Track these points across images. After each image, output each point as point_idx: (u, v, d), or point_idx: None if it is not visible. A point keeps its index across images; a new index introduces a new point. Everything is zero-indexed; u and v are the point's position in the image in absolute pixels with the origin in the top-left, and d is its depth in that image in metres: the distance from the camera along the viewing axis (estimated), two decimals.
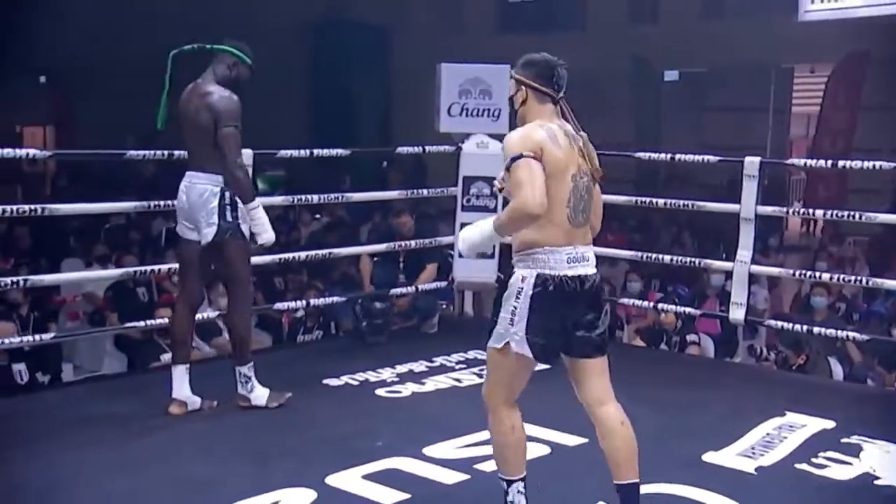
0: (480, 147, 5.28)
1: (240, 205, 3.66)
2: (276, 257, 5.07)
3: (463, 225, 5.27)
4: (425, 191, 5.40)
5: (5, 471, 3.17)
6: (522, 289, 2.58)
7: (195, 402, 3.79)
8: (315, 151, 4.94)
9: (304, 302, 5.39)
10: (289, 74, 13.86)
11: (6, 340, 4.35)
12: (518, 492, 2.71)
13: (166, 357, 5.45)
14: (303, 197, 5.07)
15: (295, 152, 4.82)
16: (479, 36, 14.15)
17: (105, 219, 9.01)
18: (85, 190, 11.09)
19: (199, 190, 3.66)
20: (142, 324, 4.60)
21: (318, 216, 10.16)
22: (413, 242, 5.28)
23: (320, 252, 5.22)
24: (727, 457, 3.45)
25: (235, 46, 3.74)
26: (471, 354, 4.71)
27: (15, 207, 3.99)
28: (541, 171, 2.53)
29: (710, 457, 3.43)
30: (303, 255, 5.23)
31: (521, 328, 2.58)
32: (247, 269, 3.83)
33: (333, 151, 4.99)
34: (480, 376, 4.39)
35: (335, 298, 5.38)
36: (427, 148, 5.28)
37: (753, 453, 3.49)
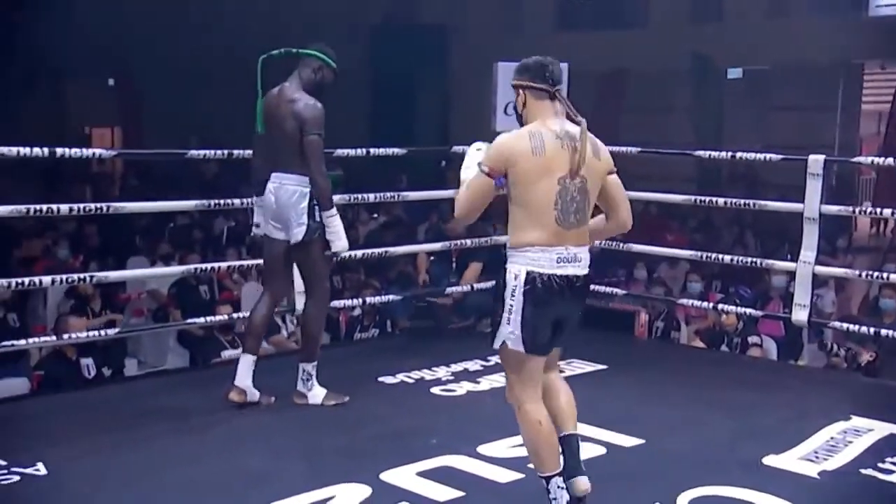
0: None
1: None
2: (331, 254, 5.12)
3: None
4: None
5: (71, 462, 3.26)
6: (516, 287, 2.67)
7: (255, 394, 3.86)
8: (372, 150, 4.98)
9: (360, 300, 5.44)
10: (348, 75, 14.02)
11: (75, 335, 4.49)
12: (558, 487, 2.74)
13: (227, 353, 5.58)
14: (360, 196, 5.11)
15: (352, 151, 4.86)
16: (538, 35, 14.09)
17: (170, 218, 9.24)
18: (151, 189, 11.42)
19: (290, 191, 3.77)
20: (203, 320, 4.70)
21: (375, 215, 10.24)
22: (469, 241, 5.29)
23: (377, 251, 5.25)
24: (789, 460, 3.38)
25: (321, 50, 3.84)
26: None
27: (82, 206, 4.11)
28: (485, 189, 2.70)
29: (771, 460, 3.36)
30: (360, 253, 5.27)
31: (517, 325, 2.68)
32: (327, 269, 3.94)
33: (389, 150, 5.03)
34: None
35: (392, 297, 5.42)
36: (455, 148, 5.28)
37: (817, 457, 3.41)
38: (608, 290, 5.53)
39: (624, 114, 13.45)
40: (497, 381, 4.30)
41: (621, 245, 5.33)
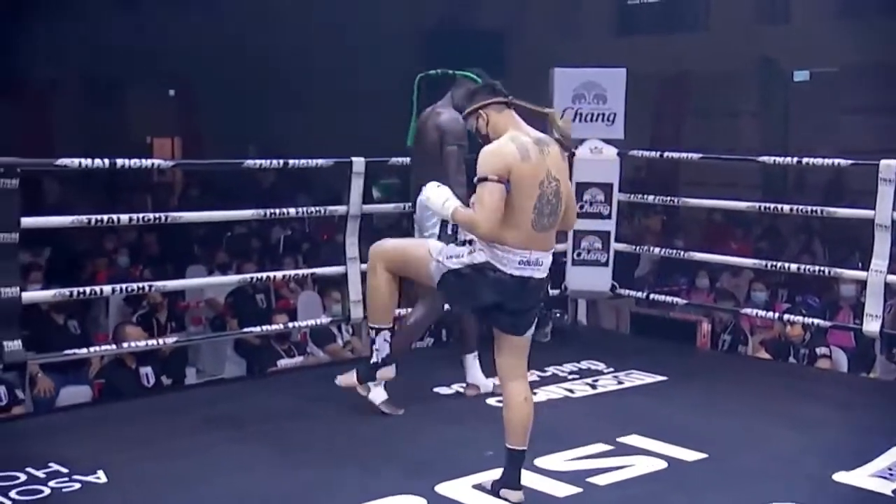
0: (594, 152, 5.22)
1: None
2: None
3: (576, 232, 5.28)
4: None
5: (131, 470, 3.33)
6: (472, 260, 2.86)
7: (487, 385, 4.08)
8: None
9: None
10: (402, 82, 14.12)
11: (134, 344, 4.60)
12: (384, 340, 3.18)
13: (283, 362, 5.65)
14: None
15: (407, 160, 4.88)
16: (596, 39, 13.97)
17: (228, 227, 9.40)
18: (210, 199, 11.64)
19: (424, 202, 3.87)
20: (260, 329, 4.76)
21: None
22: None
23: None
24: (861, 477, 3.27)
25: (475, 73, 4.07)
26: (584, 364, 4.65)
27: (141, 215, 4.22)
28: (501, 196, 2.79)
29: (841, 477, 3.27)
30: None
31: (452, 265, 2.89)
32: None
33: None
34: (594, 387, 4.34)
35: (446, 306, 5.40)
36: None
37: (891, 474, 3.30)
38: (668, 299, 5.45)
39: (686, 119, 13.26)
40: (554, 392, 4.27)
41: (683, 253, 5.25)
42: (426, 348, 6.21)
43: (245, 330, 4.82)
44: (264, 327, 4.84)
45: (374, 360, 3.32)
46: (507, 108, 2.95)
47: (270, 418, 3.85)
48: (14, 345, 3.55)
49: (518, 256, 2.84)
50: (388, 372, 3.63)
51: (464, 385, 4.31)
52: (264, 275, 4.91)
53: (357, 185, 4.61)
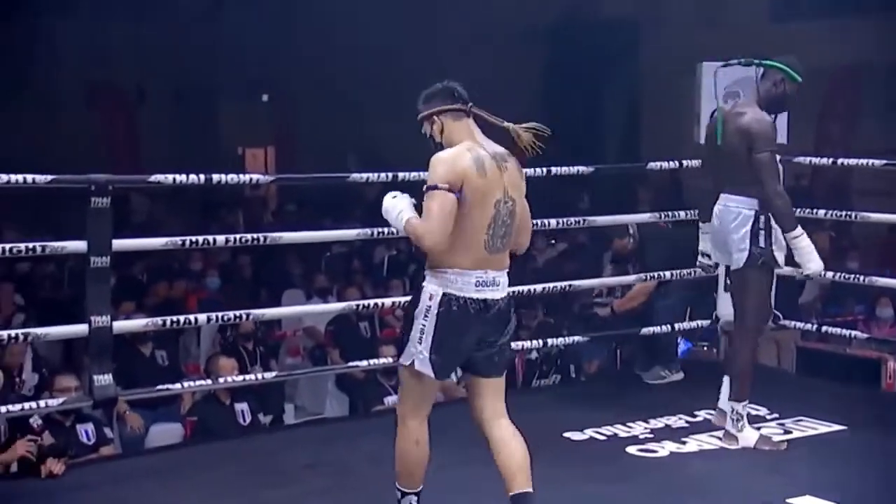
0: None
1: (778, 232, 3.95)
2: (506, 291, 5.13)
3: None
4: (682, 213, 5.24)
5: None
6: (430, 307, 2.97)
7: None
8: (553, 169, 4.94)
9: (540, 342, 5.40)
10: (519, 82, 14.10)
11: (230, 379, 4.73)
12: None
13: (391, 399, 5.70)
14: (538, 221, 5.07)
15: (529, 171, 4.84)
16: (749, 28, 13.58)
17: (326, 246, 9.57)
18: (307, 215, 11.90)
19: (733, 213, 3.98)
20: (366, 363, 4.80)
21: (553, 241, 10.21)
22: (668, 273, 5.14)
23: (559, 284, 5.20)
24: None
25: (785, 62, 4.04)
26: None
27: (238, 237, 4.35)
28: (452, 207, 2.89)
29: None
30: (538, 287, 5.23)
31: (427, 347, 2.98)
32: (758, 301, 4.10)
33: (574, 169, 4.98)
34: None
35: (576, 338, 5.35)
36: (685, 162, 5.14)
37: None
38: (844, 332, 5.21)
39: (861, 118, 12.71)
40: (707, 442, 4.15)
41: (861, 278, 5.02)
42: (552, 386, 6.18)
43: (350, 365, 4.87)
44: (370, 361, 4.87)
45: None
46: (466, 116, 3.04)
47: (379, 464, 3.86)
48: (105, 379, 3.69)
49: (473, 278, 2.97)
50: None
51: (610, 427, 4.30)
52: (371, 302, 4.94)
53: None
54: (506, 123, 3.05)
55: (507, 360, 3.14)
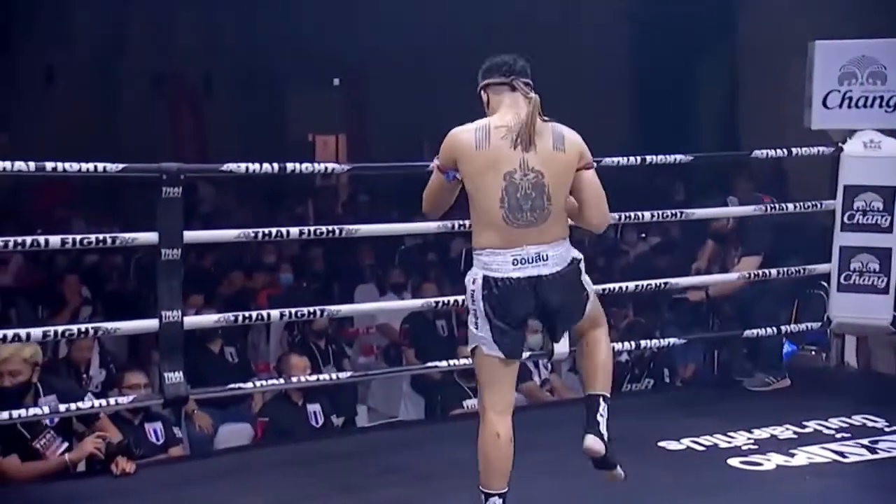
0: (870, 147, 4.93)
1: None
2: (595, 288, 5.07)
3: (843, 249, 4.99)
4: (789, 205, 5.12)
5: None
6: (474, 291, 3.11)
7: None
8: (648, 158, 4.87)
9: (630, 343, 5.33)
10: (605, 62, 13.93)
11: (303, 378, 4.77)
12: None
13: (469, 403, 5.68)
14: (631, 214, 5.01)
15: (622, 159, 4.78)
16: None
17: (400, 239, 9.60)
18: (381, 205, 11.96)
19: None
20: (446, 364, 4.79)
21: (644, 235, 10.08)
22: (772, 271, 5.02)
23: (653, 282, 5.12)
24: None
25: None
26: (857, 420, 4.39)
27: (312, 228, 4.37)
28: (439, 185, 3.19)
29: None
30: (630, 285, 5.16)
31: (486, 331, 3.10)
32: None
33: (670, 158, 4.89)
34: (872, 450, 4.08)
35: (672, 339, 5.26)
36: (794, 150, 5.02)
37: None
38: None
39: None
40: (818, 455, 4.05)
41: None
42: (645, 391, 6.10)
43: (426, 365, 4.87)
44: (448, 361, 4.85)
45: None
46: (510, 89, 3.17)
47: (459, 471, 3.83)
48: (176, 376, 3.76)
49: (509, 256, 3.06)
50: None
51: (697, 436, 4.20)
52: (449, 299, 4.91)
53: None
54: (531, 94, 3.13)
55: (582, 309, 3.22)
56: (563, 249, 3.13)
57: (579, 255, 3.21)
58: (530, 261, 3.06)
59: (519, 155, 3.05)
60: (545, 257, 3.08)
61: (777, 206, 4.95)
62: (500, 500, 3.12)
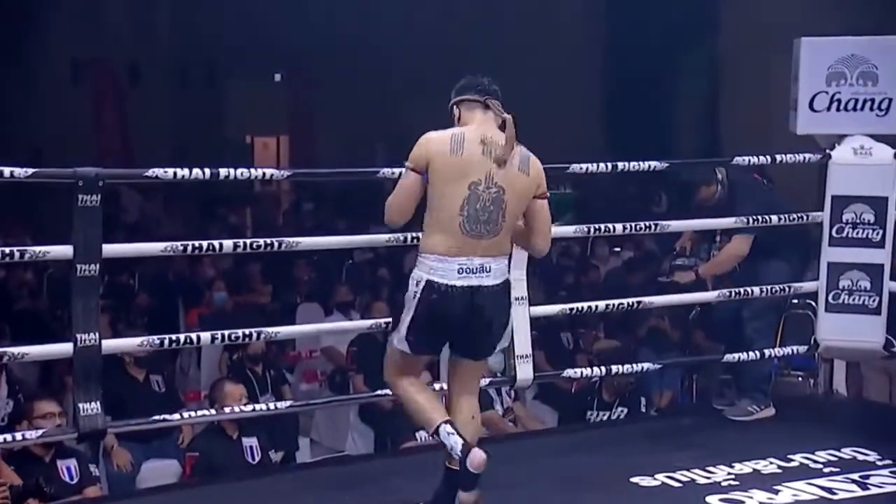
0: (860, 154, 4.99)
1: None
2: (562, 307, 5.10)
3: (831, 265, 5.06)
4: (773, 217, 5.18)
5: None
6: (416, 293, 3.49)
7: None
8: (619, 165, 4.91)
9: (599, 369, 5.36)
10: (574, 60, 14.02)
11: (237, 408, 4.73)
12: (448, 433, 3.48)
13: (423, 435, 5.68)
14: (602, 226, 5.04)
15: (592, 166, 4.83)
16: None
17: (347, 253, 9.60)
18: (326, 214, 11.94)
19: None
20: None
21: (617, 249, 10.17)
22: (755, 290, 5.08)
23: (625, 301, 5.16)
24: None
25: None
26: (846, 453, 4.43)
27: (248, 241, 4.33)
28: (413, 185, 3.49)
29: None
30: (601, 304, 5.19)
31: (405, 327, 3.53)
32: None
33: (643, 165, 4.94)
34: (863, 486, 4.13)
35: (646, 365, 5.30)
36: (778, 157, 5.08)
37: None
38: None
39: None
40: (805, 491, 4.09)
41: None
42: (616, 421, 6.13)
43: (378, 393, 4.86)
44: None
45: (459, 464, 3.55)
46: (482, 107, 3.56)
47: None
48: (92, 408, 3.70)
49: (456, 264, 3.44)
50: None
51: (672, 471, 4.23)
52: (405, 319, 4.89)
53: None
54: (505, 114, 3.51)
55: (491, 344, 3.63)
56: (504, 265, 3.54)
57: (510, 279, 3.63)
58: (474, 271, 3.46)
59: (487, 167, 3.43)
60: (488, 269, 3.48)
61: (760, 218, 4.98)
62: (449, 425, 3.49)
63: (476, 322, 3.52)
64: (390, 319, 4.69)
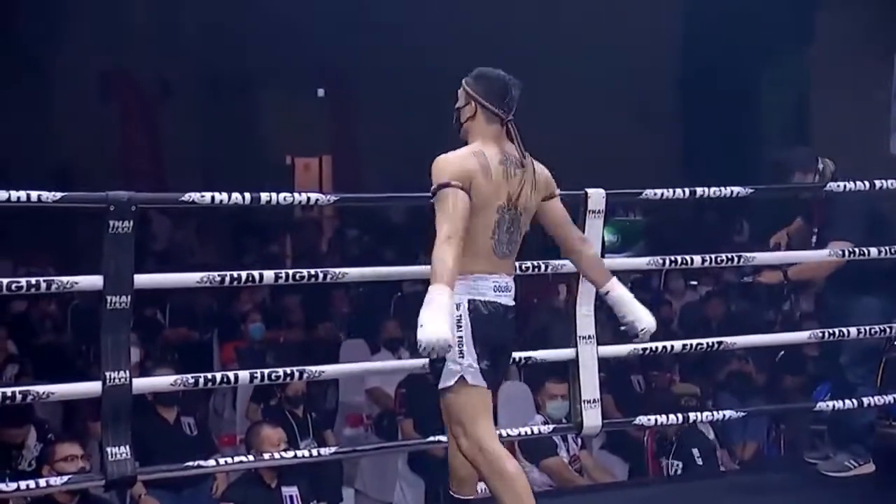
0: None
1: None
2: (633, 347, 5.06)
3: None
4: (872, 250, 5.11)
5: None
6: (461, 316, 3.51)
7: None
8: (698, 191, 4.89)
9: (675, 416, 5.31)
10: (649, 71, 13.96)
11: (276, 454, 4.75)
12: None
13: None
14: (678, 258, 5.02)
15: (668, 192, 4.81)
16: None
17: (396, 284, 9.60)
18: (373, 242, 11.96)
19: None
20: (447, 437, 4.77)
21: (694, 283, 10.10)
22: (853, 330, 5.00)
23: (704, 341, 5.11)
24: None
25: None
26: None
27: (290, 272, 4.36)
28: (466, 204, 3.48)
29: None
30: (677, 344, 5.15)
31: (473, 357, 3.50)
32: None
33: (725, 191, 4.90)
34: None
35: (727, 412, 5.24)
36: (878, 182, 5.02)
37: None
38: None
39: None
40: None
41: None
42: (695, 474, 6.07)
43: (429, 440, 4.85)
44: None
45: None
46: (501, 125, 3.63)
47: None
48: (121, 452, 3.74)
49: (490, 282, 3.58)
50: None
51: None
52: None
53: (594, 228, 4.59)
54: (527, 159, 3.63)
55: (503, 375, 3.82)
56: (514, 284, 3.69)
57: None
58: (504, 289, 3.61)
59: (508, 189, 3.59)
60: (510, 288, 3.64)
61: (856, 251, 4.93)
62: None
63: (508, 344, 3.68)
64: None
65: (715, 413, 5.36)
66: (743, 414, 5.40)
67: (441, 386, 3.53)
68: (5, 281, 3.80)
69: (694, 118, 14.49)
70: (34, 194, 3.72)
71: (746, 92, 13.78)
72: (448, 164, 3.54)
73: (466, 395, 3.50)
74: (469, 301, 3.53)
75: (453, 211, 3.48)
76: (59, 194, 3.78)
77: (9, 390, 3.88)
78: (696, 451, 6.29)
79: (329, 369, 4.79)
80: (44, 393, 3.90)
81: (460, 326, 3.50)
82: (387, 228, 12.46)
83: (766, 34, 12.79)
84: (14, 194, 3.69)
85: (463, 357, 3.49)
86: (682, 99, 14.82)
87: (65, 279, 3.89)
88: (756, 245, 5.87)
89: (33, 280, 3.85)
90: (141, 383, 4.11)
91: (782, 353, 7.32)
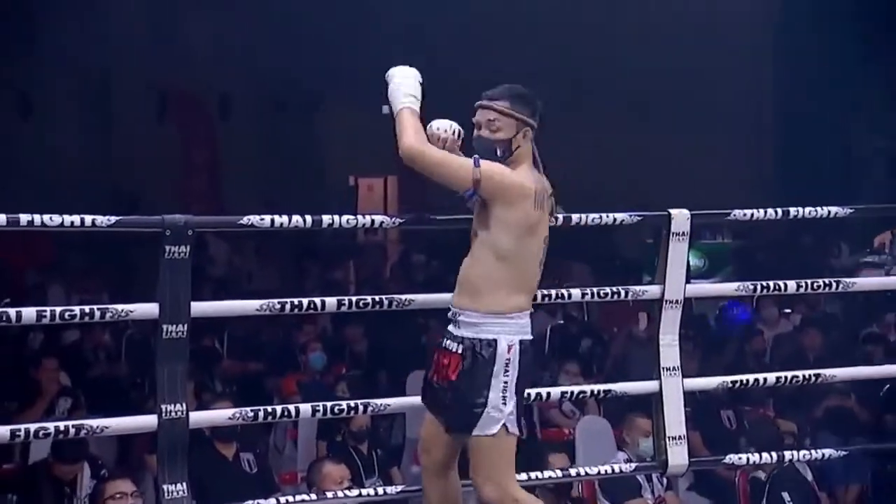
0: None
1: None
2: (722, 380, 4.99)
3: None
4: None
5: None
6: (509, 360, 3.51)
7: None
8: (791, 211, 4.85)
9: (771, 455, 5.25)
10: (741, 84, 13.89)
11: (339, 493, 4.77)
12: None
13: None
14: (770, 283, 4.97)
15: (758, 213, 4.77)
16: None
17: None
18: (440, 268, 11.98)
19: None
20: (521, 475, 4.74)
21: (788, 311, 9.99)
22: None
23: (800, 374, 5.05)
24: None
25: None
26: None
27: (354, 299, 4.40)
28: (456, 169, 3.63)
29: None
30: (770, 377, 5.09)
31: (513, 405, 3.52)
32: None
33: (822, 211, 4.86)
34: None
35: (827, 452, 5.17)
36: None
37: None
38: None
39: None
40: None
41: None
42: None
43: None
44: (529, 473, 4.81)
45: None
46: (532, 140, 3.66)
47: None
48: (177, 490, 3.78)
49: (527, 318, 3.60)
50: None
51: None
52: (532, 392, 4.89)
53: (678, 252, 4.57)
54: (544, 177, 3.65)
55: None
56: None
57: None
58: (530, 326, 3.64)
59: (545, 219, 3.63)
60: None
61: None
62: None
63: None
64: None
65: (813, 452, 5.30)
66: (844, 453, 5.34)
67: (479, 433, 3.54)
68: (59, 309, 3.86)
69: (792, 134, 14.38)
70: (88, 219, 3.79)
71: (848, 106, 13.65)
72: (507, 173, 3.57)
73: (506, 444, 3.55)
74: (520, 342, 3.54)
75: (442, 156, 3.72)
76: (113, 218, 3.84)
77: (62, 424, 3.95)
78: (786, 496, 6.21)
79: (395, 402, 4.81)
80: (98, 427, 3.96)
81: (507, 371, 3.51)
82: (454, 253, 12.46)
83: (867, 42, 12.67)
84: (68, 219, 3.75)
85: (506, 404, 3.51)
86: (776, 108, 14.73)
87: (120, 307, 3.94)
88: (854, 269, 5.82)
89: (87, 308, 3.90)
90: (198, 417, 4.15)
91: (888, 386, 7.21)
